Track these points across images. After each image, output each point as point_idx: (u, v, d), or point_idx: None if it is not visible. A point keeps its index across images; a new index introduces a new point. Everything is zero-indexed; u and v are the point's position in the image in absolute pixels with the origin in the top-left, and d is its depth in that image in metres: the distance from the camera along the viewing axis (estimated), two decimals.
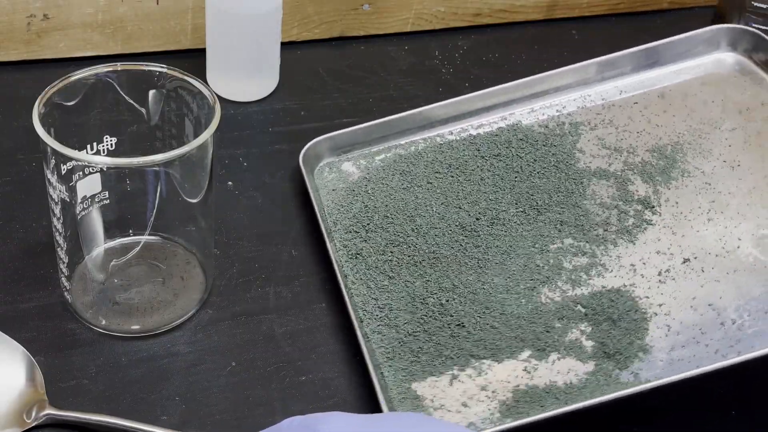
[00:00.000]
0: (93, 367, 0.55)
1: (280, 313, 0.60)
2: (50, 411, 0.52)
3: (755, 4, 0.93)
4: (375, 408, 0.54)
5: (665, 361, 0.54)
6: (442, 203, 0.65)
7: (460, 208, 0.65)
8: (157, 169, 0.56)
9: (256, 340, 0.58)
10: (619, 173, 0.66)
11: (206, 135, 0.52)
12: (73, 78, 0.55)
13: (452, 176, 0.68)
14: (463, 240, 0.62)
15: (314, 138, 0.72)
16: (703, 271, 0.59)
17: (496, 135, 0.71)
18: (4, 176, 0.69)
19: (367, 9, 0.90)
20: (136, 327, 0.57)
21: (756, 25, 0.91)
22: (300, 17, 0.88)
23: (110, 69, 0.56)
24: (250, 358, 0.57)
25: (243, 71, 0.79)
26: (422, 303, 0.59)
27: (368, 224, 0.65)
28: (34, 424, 0.51)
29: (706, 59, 0.73)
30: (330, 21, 0.90)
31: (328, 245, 0.62)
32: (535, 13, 0.98)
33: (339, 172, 0.70)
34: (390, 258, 0.62)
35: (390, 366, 0.56)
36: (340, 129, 0.77)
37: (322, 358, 0.57)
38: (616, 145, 0.69)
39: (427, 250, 0.62)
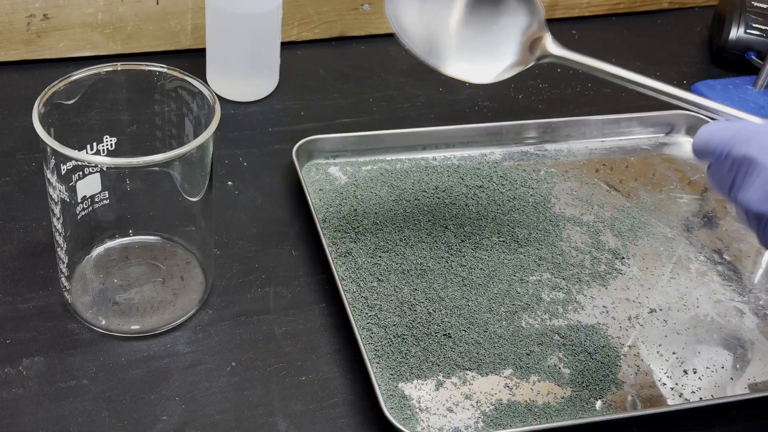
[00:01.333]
0: (93, 367, 0.55)
1: (280, 313, 0.60)
2: (550, 50, 0.57)
3: (755, 3, 0.93)
4: (374, 407, 0.54)
5: (634, 396, 0.57)
6: (429, 220, 0.68)
7: (446, 228, 0.67)
8: (157, 169, 0.56)
9: (256, 340, 0.58)
10: (591, 224, 0.70)
11: (206, 135, 0.52)
12: (73, 78, 0.55)
13: (438, 198, 0.70)
14: (449, 258, 0.65)
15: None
16: (666, 322, 0.63)
17: (478, 168, 0.74)
18: (4, 176, 0.69)
19: (367, 9, 0.90)
20: (136, 327, 0.57)
21: (756, 25, 0.91)
22: (300, 17, 0.88)
23: (110, 69, 0.56)
24: (250, 358, 0.57)
25: (243, 71, 0.79)
26: (410, 309, 0.60)
27: (357, 227, 0.67)
28: (533, 63, 0.57)
29: (668, 139, 0.82)
30: (330, 21, 0.90)
31: (326, 247, 0.63)
32: None
33: (326, 174, 0.72)
34: (379, 262, 0.64)
35: (378, 363, 0.57)
36: (340, 129, 0.77)
37: (322, 358, 0.58)
38: (588, 198, 0.73)
39: (414, 261, 0.64)
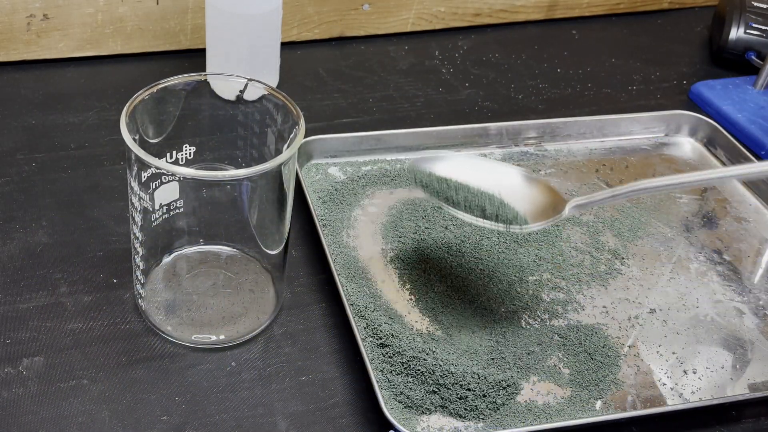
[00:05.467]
0: (93, 367, 0.55)
1: (280, 313, 0.60)
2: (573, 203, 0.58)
3: (755, 4, 0.93)
4: (374, 407, 0.54)
5: (634, 396, 0.57)
6: (428, 220, 0.68)
7: (446, 228, 0.67)
8: (234, 182, 0.55)
9: (257, 340, 0.58)
10: (591, 224, 0.70)
11: (290, 152, 0.52)
12: (158, 87, 0.54)
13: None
14: (449, 258, 0.65)
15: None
16: (666, 322, 0.63)
17: None
18: (4, 176, 0.69)
19: (367, 9, 0.90)
20: (205, 337, 0.57)
21: (756, 25, 0.91)
22: (300, 17, 0.88)
23: (195, 78, 0.56)
24: (251, 358, 0.57)
25: (243, 71, 0.79)
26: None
27: (357, 227, 0.67)
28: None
29: (668, 139, 0.82)
30: (330, 21, 0.90)
31: (326, 247, 0.63)
32: (535, 13, 0.98)
33: (325, 174, 0.72)
34: (378, 262, 0.64)
35: (378, 363, 0.57)
36: (340, 129, 0.77)
37: (322, 358, 0.58)
38: None
39: (416, 260, 0.64)
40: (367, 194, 0.70)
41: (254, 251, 0.61)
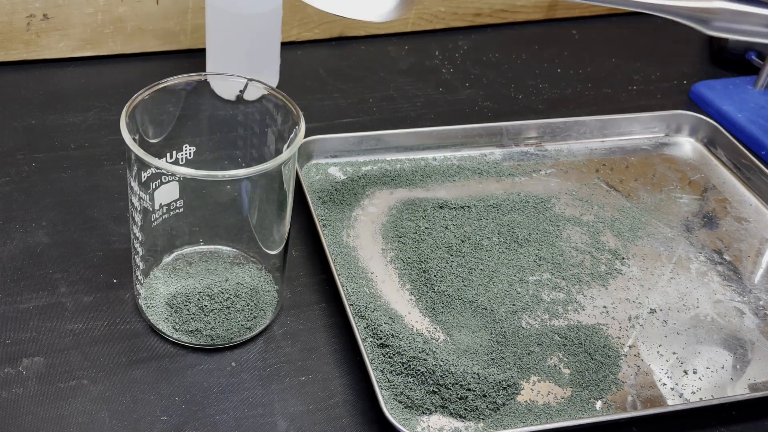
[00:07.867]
0: (93, 367, 0.55)
1: (280, 313, 0.60)
2: None
3: None
4: (374, 407, 0.54)
5: (634, 396, 0.57)
6: (429, 220, 0.68)
7: (446, 228, 0.67)
8: (234, 182, 0.55)
9: (257, 340, 0.58)
10: (591, 224, 0.70)
11: (290, 152, 0.52)
12: (158, 87, 0.54)
13: (438, 198, 0.70)
14: (449, 258, 0.65)
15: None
16: (666, 322, 0.63)
17: (478, 168, 0.75)
18: (4, 176, 0.69)
19: None
20: (204, 338, 0.57)
21: None
22: (300, 17, 0.88)
23: (195, 79, 0.56)
24: (251, 358, 0.57)
25: (243, 71, 0.78)
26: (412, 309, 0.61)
27: (357, 227, 0.67)
28: None
29: (668, 139, 0.82)
30: (330, 21, 0.90)
31: (326, 247, 0.63)
32: (535, 13, 0.98)
33: (325, 174, 0.72)
34: (379, 262, 0.64)
35: (378, 363, 0.57)
36: (341, 129, 0.77)
37: (322, 358, 0.58)
38: (588, 198, 0.73)
39: (414, 261, 0.64)
40: (367, 194, 0.70)
41: (254, 251, 0.61)
